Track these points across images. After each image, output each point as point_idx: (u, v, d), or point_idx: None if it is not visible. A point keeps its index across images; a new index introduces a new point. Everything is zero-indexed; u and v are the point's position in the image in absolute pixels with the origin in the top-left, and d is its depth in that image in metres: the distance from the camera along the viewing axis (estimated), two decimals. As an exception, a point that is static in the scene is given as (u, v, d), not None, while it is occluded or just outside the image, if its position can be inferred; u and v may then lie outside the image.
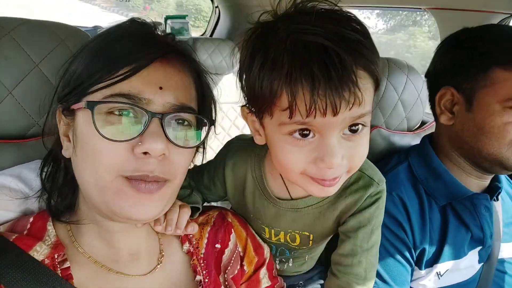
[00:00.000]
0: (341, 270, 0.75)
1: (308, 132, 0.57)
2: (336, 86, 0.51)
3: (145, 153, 0.54)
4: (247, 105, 0.66)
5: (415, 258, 0.93)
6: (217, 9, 3.17)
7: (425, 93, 1.30)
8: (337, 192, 0.68)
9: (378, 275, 0.90)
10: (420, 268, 0.93)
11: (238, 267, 0.74)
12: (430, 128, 1.29)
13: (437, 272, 0.93)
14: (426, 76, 1.05)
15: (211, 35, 3.21)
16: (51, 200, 0.65)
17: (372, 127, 1.18)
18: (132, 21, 0.62)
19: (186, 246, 0.72)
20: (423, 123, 1.40)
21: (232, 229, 0.77)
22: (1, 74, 0.72)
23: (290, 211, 0.77)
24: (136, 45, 0.57)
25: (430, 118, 1.42)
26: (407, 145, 1.19)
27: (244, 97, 0.65)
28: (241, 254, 0.76)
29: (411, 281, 0.95)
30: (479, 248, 0.96)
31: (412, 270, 0.94)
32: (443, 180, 0.96)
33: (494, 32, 0.91)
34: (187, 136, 0.61)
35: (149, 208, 0.57)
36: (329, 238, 0.87)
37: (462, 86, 0.90)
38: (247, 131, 0.89)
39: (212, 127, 0.67)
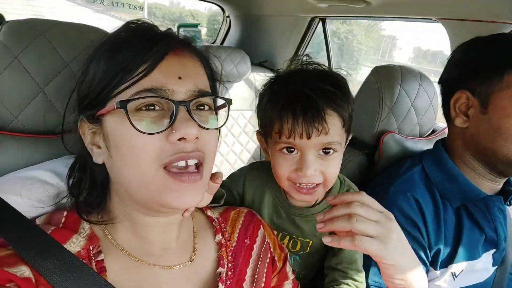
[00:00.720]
0: (343, 271, 0.88)
1: (292, 149, 0.81)
2: (310, 119, 0.76)
3: (180, 139, 0.57)
4: (260, 130, 0.90)
5: (430, 259, 0.94)
6: (228, 19, 3.24)
7: (436, 101, 1.33)
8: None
9: None
10: (435, 269, 0.94)
11: (268, 260, 0.77)
12: (442, 134, 1.31)
13: (452, 273, 0.94)
14: (439, 82, 1.07)
15: (222, 43, 3.27)
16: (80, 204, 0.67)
17: (386, 132, 1.20)
18: (135, 23, 0.65)
19: (219, 237, 0.75)
20: (433, 130, 1.42)
21: (261, 226, 0.81)
22: (35, 72, 0.75)
23: (299, 217, 0.91)
24: (148, 42, 0.59)
25: (440, 127, 1.44)
26: (420, 150, 1.20)
27: (258, 124, 0.90)
28: (272, 249, 0.80)
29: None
30: (493, 251, 0.97)
31: (427, 271, 0.95)
32: (457, 182, 0.98)
33: (508, 39, 0.94)
34: (210, 119, 0.64)
35: (193, 196, 0.60)
36: (321, 254, 0.95)
37: (477, 90, 0.93)
38: (255, 137, 1.01)
39: (219, 133, 0.70)
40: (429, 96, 1.31)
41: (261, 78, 2.58)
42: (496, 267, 0.98)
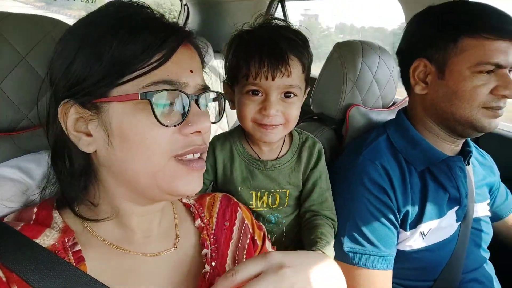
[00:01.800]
0: (316, 210, 0.99)
1: (257, 92, 0.88)
2: (274, 62, 0.84)
3: (193, 132, 0.58)
4: (226, 80, 0.97)
5: (399, 221, 1.00)
6: (185, 7, 3.17)
7: (396, 72, 1.39)
8: (298, 151, 1.01)
9: (366, 238, 0.96)
10: (405, 230, 1.00)
11: (248, 241, 0.79)
12: (403, 104, 1.37)
13: (421, 232, 1.00)
14: (397, 53, 1.12)
15: (182, 32, 3.19)
16: (63, 193, 0.64)
17: (351, 105, 1.24)
18: (142, 7, 0.61)
19: (198, 221, 0.75)
20: (394, 102, 1.48)
21: (239, 208, 0.82)
22: (-12, 67, 0.72)
23: (272, 170, 0.99)
24: (162, 31, 0.58)
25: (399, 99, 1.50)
26: (384, 120, 1.25)
27: (225, 76, 0.97)
28: (251, 230, 0.81)
29: (398, 243, 1.01)
30: (456, 207, 1.04)
31: (398, 233, 1.01)
32: (420, 147, 1.04)
33: (461, 5, 0.99)
34: (208, 112, 0.65)
35: (199, 182, 0.62)
36: (298, 208, 1.03)
37: (434, 57, 0.98)
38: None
39: None
40: (389, 68, 1.36)
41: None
42: (460, 222, 1.05)
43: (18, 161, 0.71)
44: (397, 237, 1.01)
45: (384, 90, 1.36)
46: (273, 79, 0.85)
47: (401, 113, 1.13)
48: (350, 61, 1.25)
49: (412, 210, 1.00)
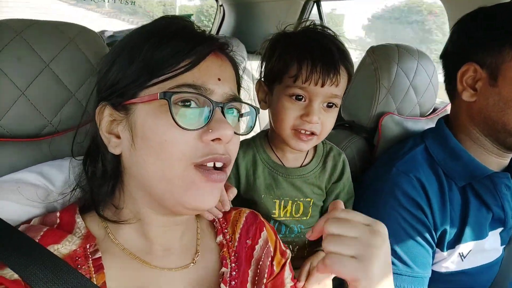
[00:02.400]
0: None
1: (301, 97, 0.86)
2: (327, 67, 0.83)
3: (213, 139, 0.57)
4: (262, 79, 0.95)
5: (436, 240, 0.93)
6: (221, 8, 3.19)
7: (436, 79, 1.29)
8: (322, 160, 1.00)
9: (398, 257, 0.90)
10: (442, 250, 0.93)
11: (268, 263, 0.75)
12: (444, 112, 1.28)
13: (459, 253, 0.92)
14: (441, 57, 1.03)
15: (217, 32, 3.22)
16: (92, 195, 0.66)
17: (384, 113, 1.16)
18: (175, 18, 0.64)
19: (220, 238, 0.73)
20: (434, 110, 1.38)
21: (264, 228, 0.79)
22: (14, 75, 0.73)
23: (296, 178, 0.97)
24: (192, 40, 0.59)
25: (440, 106, 1.40)
26: (421, 129, 1.17)
27: (261, 77, 0.95)
28: (272, 253, 0.77)
29: (434, 263, 0.94)
30: (500, 229, 0.95)
31: (434, 252, 0.93)
32: (462, 160, 0.96)
33: None
34: (239, 124, 0.65)
35: (214, 197, 0.60)
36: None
37: (486, 62, 0.89)
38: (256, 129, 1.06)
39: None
40: (428, 74, 1.27)
41: (258, 66, 2.53)
42: (504, 246, 0.95)
43: (41, 167, 0.73)
44: (433, 257, 0.94)
45: (422, 98, 1.27)
46: (322, 85, 0.84)
47: (442, 121, 1.05)
48: (384, 66, 1.18)
49: (451, 229, 0.93)
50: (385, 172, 1.00)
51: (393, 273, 0.84)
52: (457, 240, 0.93)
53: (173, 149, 0.56)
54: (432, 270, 0.93)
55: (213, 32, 3.29)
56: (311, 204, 0.98)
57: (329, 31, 0.91)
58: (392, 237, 0.88)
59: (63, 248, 0.57)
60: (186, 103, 0.57)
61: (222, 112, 0.59)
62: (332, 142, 1.15)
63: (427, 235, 0.91)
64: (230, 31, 3.09)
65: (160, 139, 0.56)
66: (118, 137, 0.61)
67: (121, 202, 0.64)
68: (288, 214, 0.96)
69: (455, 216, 0.93)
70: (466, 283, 0.95)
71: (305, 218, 0.98)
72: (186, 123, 0.55)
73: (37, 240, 0.56)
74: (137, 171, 0.60)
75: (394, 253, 0.90)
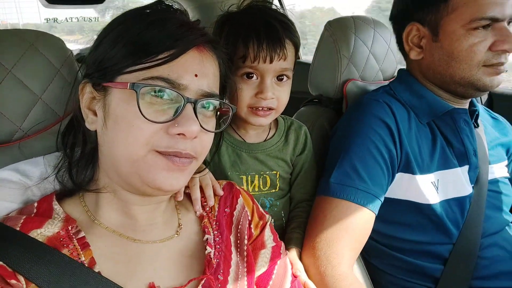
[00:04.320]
0: (298, 197, 1.03)
1: (252, 75, 0.88)
2: (273, 44, 0.84)
3: (179, 134, 0.58)
4: None
5: (398, 163, 0.95)
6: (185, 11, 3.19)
7: (394, 44, 1.34)
8: (284, 134, 1.01)
9: (357, 172, 0.91)
10: (413, 173, 0.95)
11: (247, 226, 0.78)
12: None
13: (432, 182, 0.96)
14: (390, 19, 1.08)
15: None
16: (70, 171, 0.68)
17: (347, 81, 1.21)
18: (164, 5, 0.65)
19: (199, 210, 0.75)
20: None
21: (240, 195, 0.82)
22: (-23, 83, 0.74)
23: (260, 152, 0.99)
24: (176, 30, 0.60)
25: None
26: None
27: None
28: (249, 217, 0.80)
29: (411, 193, 0.97)
30: (466, 167, 0.99)
31: (392, 177, 0.96)
32: (425, 99, 1.00)
33: None
34: (211, 120, 0.66)
35: (178, 181, 0.62)
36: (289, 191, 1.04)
37: (426, 19, 0.95)
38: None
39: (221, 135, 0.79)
40: (385, 40, 1.32)
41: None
42: (473, 185, 1.00)
43: (15, 165, 0.74)
44: (391, 181, 0.96)
45: (383, 64, 1.32)
46: (271, 62, 0.85)
47: (403, 70, 1.10)
48: (342, 38, 1.22)
49: (417, 155, 0.96)
50: (356, 104, 1.04)
51: (349, 186, 0.89)
52: (424, 168, 0.96)
53: (138, 135, 0.58)
54: (413, 202, 0.96)
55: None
56: (277, 177, 1.00)
57: (270, 5, 0.93)
58: (355, 154, 0.93)
59: (46, 231, 0.59)
60: (159, 93, 0.58)
61: (194, 109, 0.60)
62: (303, 118, 1.19)
63: (387, 157, 0.93)
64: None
65: (128, 124, 0.58)
66: (96, 114, 0.64)
67: (98, 179, 0.67)
68: (256, 189, 0.98)
69: (422, 144, 0.97)
70: (445, 215, 0.97)
71: (274, 190, 1.00)
72: (154, 114, 0.58)
73: (18, 229, 0.57)
74: (107, 150, 0.63)
75: (353, 169, 0.92)
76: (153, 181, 0.60)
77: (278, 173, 1.00)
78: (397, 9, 1.05)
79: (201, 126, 0.61)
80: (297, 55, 0.93)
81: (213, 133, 0.67)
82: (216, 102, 0.66)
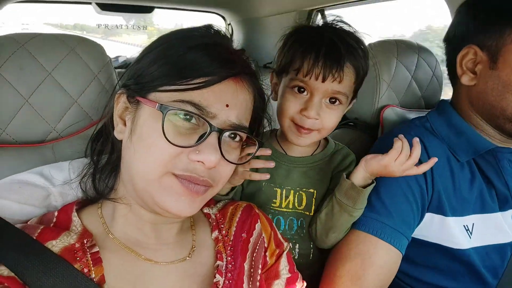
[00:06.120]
0: None
1: (303, 90, 0.86)
2: (329, 64, 0.82)
3: (198, 161, 0.58)
4: (274, 72, 0.96)
5: (429, 201, 0.89)
6: (229, 26, 3.27)
7: (439, 71, 1.28)
8: (330, 155, 0.97)
9: (385, 208, 0.86)
10: (444, 215, 0.88)
11: (262, 254, 0.75)
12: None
13: (464, 226, 0.89)
14: (444, 40, 1.01)
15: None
16: (95, 179, 0.69)
17: (385, 106, 1.15)
18: (212, 30, 0.65)
19: (215, 233, 0.73)
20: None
21: (259, 220, 0.79)
22: (17, 83, 0.77)
23: (300, 168, 0.95)
24: (214, 58, 0.59)
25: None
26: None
27: (274, 71, 0.96)
28: (266, 244, 0.76)
29: (439, 236, 0.90)
30: (510, 211, 0.90)
31: (422, 216, 0.90)
32: (465, 135, 0.93)
33: None
34: (235, 152, 0.65)
35: (189, 208, 0.61)
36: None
37: (486, 44, 0.86)
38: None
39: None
40: (430, 67, 1.26)
41: (268, 80, 2.56)
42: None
43: (41, 168, 0.75)
44: (420, 220, 0.90)
45: (426, 91, 1.26)
46: (323, 81, 0.83)
47: (444, 101, 1.02)
48: (383, 61, 1.18)
49: (452, 194, 0.89)
50: (387, 135, 0.98)
51: (376, 220, 0.85)
52: (458, 210, 0.89)
53: (157, 156, 0.58)
54: (442, 246, 0.89)
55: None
56: (314, 197, 0.94)
57: (346, 26, 0.89)
58: (383, 188, 0.88)
59: (61, 242, 0.58)
60: (187, 117, 0.58)
61: (219, 138, 0.59)
62: (337, 141, 1.14)
63: (417, 194, 0.88)
64: (239, 46, 3.15)
65: (150, 142, 0.58)
66: (125, 124, 0.64)
67: (116, 184, 0.68)
68: (290, 206, 0.94)
69: (457, 186, 0.90)
70: (480, 263, 0.89)
71: (308, 213, 0.94)
72: (177, 137, 0.57)
73: (34, 237, 0.57)
74: (127, 163, 0.63)
75: (381, 204, 0.87)
76: (163, 202, 0.59)
77: (315, 192, 0.95)
78: (455, 29, 0.96)
79: (223, 156, 0.60)
80: (358, 81, 0.88)
81: (232, 165, 0.65)
82: (242, 135, 0.65)
